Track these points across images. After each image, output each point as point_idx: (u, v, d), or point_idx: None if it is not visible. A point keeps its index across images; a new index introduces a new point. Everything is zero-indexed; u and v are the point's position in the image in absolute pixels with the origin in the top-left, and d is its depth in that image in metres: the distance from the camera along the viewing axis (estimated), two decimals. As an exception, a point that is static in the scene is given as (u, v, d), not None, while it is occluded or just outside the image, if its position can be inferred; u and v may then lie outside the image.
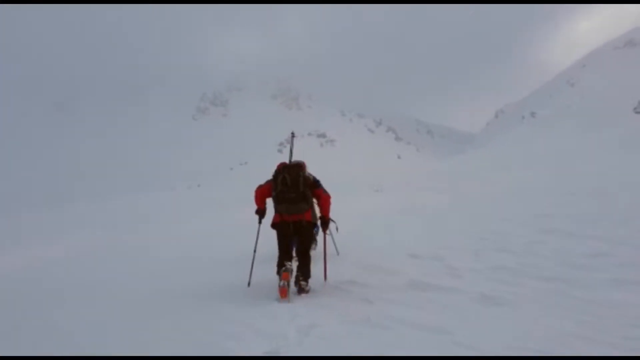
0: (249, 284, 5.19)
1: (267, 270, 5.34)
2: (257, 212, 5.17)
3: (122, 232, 14.82)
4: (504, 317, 3.49)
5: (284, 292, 4.52)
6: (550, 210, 9.57)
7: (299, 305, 4.23)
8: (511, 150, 48.10)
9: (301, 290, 4.76)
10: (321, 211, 5.15)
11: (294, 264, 4.98)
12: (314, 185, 5.00)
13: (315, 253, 6.22)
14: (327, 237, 5.48)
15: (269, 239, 5.33)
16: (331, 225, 5.55)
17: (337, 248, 6.66)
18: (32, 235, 16.18)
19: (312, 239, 5.40)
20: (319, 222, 5.32)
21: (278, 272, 4.79)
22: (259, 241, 5.43)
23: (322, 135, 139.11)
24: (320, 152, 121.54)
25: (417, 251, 6.23)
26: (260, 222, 5.29)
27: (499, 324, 3.34)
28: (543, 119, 70.11)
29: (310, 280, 4.89)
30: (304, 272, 4.86)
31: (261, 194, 5.06)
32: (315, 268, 5.26)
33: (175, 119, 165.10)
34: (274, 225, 5.03)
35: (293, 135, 6.57)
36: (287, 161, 5.24)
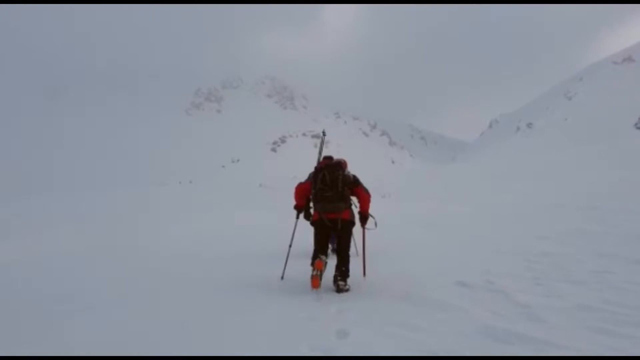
0: (282, 277, 5.33)
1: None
2: (296, 207, 5.21)
3: (115, 229, 13.63)
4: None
5: (315, 282, 4.66)
6: (587, 226, 8.78)
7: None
8: (509, 161, 47.48)
9: (339, 290, 4.68)
10: (360, 208, 5.11)
11: (330, 261, 5.10)
12: (354, 184, 4.94)
13: (352, 250, 5.57)
14: (352, 239, 5.48)
15: (303, 236, 5.62)
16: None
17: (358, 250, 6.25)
18: (14, 229, 14.92)
19: (350, 238, 5.13)
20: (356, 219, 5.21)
21: (312, 264, 4.87)
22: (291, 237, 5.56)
23: (317, 136, 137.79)
24: (314, 152, 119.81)
25: (464, 277, 5.16)
26: (297, 217, 5.31)
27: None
28: (539, 130, 69.76)
29: (349, 281, 4.84)
30: (343, 271, 4.80)
31: (301, 192, 5.10)
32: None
33: (168, 112, 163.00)
34: (312, 222, 5.10)
35: (324, 134, 6.33)
36: (322, 159, 5.23)
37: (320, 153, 5.80)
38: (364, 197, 5.01)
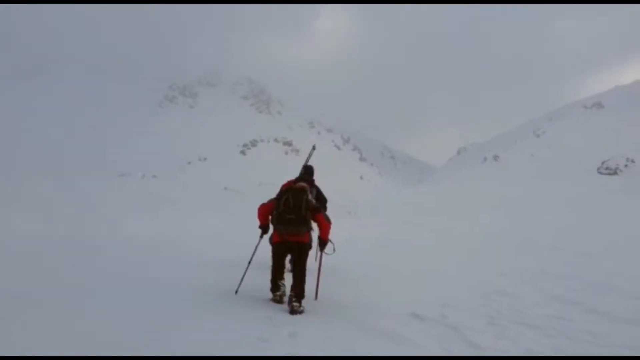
0: (236, 292, 5.29)
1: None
2: (260, 227, 5.29)
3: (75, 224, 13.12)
4: None
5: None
6: (547, 267, 8.85)
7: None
8: (475, 189, 48.49)
9: (294, 311, 4.67)
10: (320, 234, 5.21)
11: (287, 282, 5.23)
12: (316, 210, 5.03)
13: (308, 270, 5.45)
14: (316, 258, 5.64)
15: (263, 246, 5.53)
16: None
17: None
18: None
19: (306, 260, 5.20)
20: (315, 243, 5.41)
21: (272, 290, 5.15)
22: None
23: (288, 144, 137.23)
24: (285, 160, 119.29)
25: (420, 308, 5.11)
26: (261, 236, 5.38)
27: None
28: (505, 163, 71.57)
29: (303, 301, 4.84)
30: (298, 292, 4.84)
31: (264, 212, 5.20)
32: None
33: (142, 102, 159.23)
34: (272, 243, 5.22)
35: (314, 148, 6.38)
36: (301, 167, 5.64)
37: (305, 163, 5.96)
38: (325, 225, 5.13)
